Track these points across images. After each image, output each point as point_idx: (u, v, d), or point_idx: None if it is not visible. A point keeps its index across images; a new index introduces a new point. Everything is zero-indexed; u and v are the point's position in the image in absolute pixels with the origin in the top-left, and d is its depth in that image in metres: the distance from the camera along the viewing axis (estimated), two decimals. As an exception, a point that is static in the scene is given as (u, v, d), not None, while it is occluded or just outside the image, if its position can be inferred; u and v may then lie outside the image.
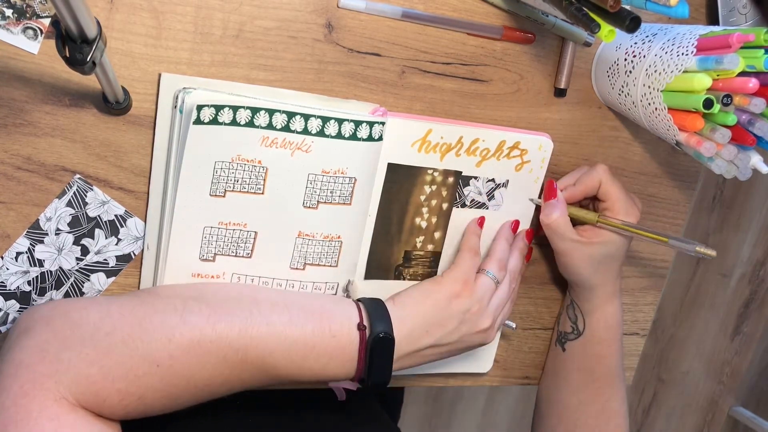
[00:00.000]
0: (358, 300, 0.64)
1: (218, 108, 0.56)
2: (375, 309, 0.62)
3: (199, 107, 0.56)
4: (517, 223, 0.72)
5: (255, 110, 0.57)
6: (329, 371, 0.59)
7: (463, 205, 0.70)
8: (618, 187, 0.70)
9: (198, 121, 0.56)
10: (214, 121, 0.56)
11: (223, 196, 0.60)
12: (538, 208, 0.73)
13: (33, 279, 0.60)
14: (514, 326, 0.75)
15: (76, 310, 0.54)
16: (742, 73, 0.59)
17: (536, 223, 0.72)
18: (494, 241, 0.71)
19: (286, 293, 0.63)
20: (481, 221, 0.70)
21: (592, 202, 0.73)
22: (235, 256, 0.62)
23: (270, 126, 0.58)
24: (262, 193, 0.61)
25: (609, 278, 0.72)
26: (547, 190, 0.71)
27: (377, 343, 0.60)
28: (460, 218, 0.70)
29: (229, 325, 0.56)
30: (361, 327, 0.60)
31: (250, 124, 0.58)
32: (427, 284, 0.65)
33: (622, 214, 0.69)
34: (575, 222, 0.71)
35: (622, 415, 0.74)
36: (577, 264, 0.71)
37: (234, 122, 0.57)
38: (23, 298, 0.60)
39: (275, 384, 0.60)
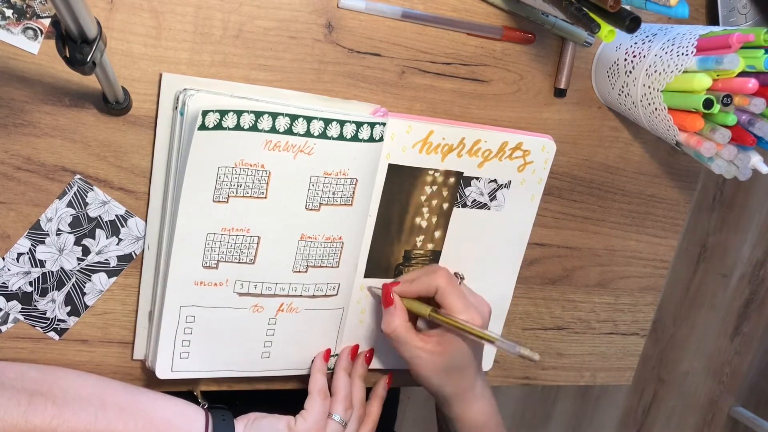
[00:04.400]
0: (209, 410, 0.64)
1: (222, 113, 0.56)
2: None
3: (204, 113, 0.55)
4: (355, 348, 0.71)
5: (258, 114, 0.57)
6: None
7: (464, 205, 0.70)
8: (456, 295, 0.65)
9: (203, 127, 0.56)
10: (218, 126, 0.56)
11: (226, 202, 0.60)
12: (538, 210, 0.73)
13: (34, 280, 0.60)
14: None
15: None
16: (742, 73, 0.59)
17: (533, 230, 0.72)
18: (334, 375, 0.69)
19: (137, 395, 0.61)
20: (326, 354, 0.69)
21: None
22: (238, 262, 0.62)
23: (273, 129, 0.58)
24: (265, 197, 0.61)
25: (463, 386, 0.68)
26: (385, 297, 0.67)
27: None
28: (461, 218, 0.70)
29: (70, 427, 0.55)
30: None
31: (253, 128, 0.57)
32: (282, 428, 0.63)
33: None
34: (411, 315, 0.68)
35: None
36: (425, 374, 0.66)
37: (238, 127, 0.57)
38: (25, 299, 0.60)
39: None
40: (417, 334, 0.66)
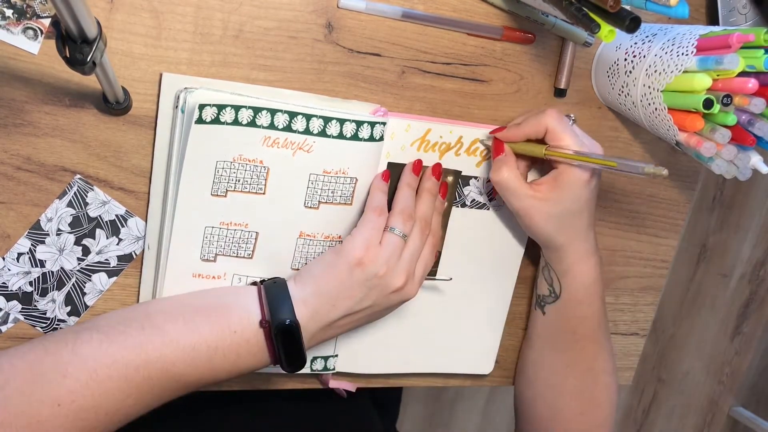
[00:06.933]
0: (261, 282, 0.62)
1: (220, 107, 0.56)
2: (275, 295, 0.59)
3: (201, 106, 0.56)
4: (419, 162, 0.65)
5: (257, 110, 0.57)
6: (242, 365, 0.58)
7: (464, 205, 0.70)
8: (569, 133, 0.63)
9: (200, 121, 0.56)
10: (215, 121, 0.56)
11: (225, 196, 0.60)
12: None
13: (35, 280, 0.60)
14: (449, 278, 0.72)
15: None
16: (742, 73, 0.59)
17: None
18: (397, 190, 0.64)
19: (182, 297, 0.61)
20: (385, 175, 0.64)
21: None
22: (236, 256, 0.62)
23: (272, 126, 0.58)
24: (264, 193, 0.61)
25: (576, 235, 0.67)
26: (495, 146, 0.66)
27: (282, 331, 0.57)
28: (461, 218, 0.70)
29: (122, 346, 0.54)
30: (263, 322, 0.58)
31: (251, 123, 0.58)
32: (329, 255, 0.61)
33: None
34: (523, 159, 0.67)
35: (609, 372, 0.72)
36: (537, 223, 0.65)
37: (236, 122, 0.57)
38: (25, 299, 0.60)
39: (199, 389, 0.59)
40: (527, 183, 0.65)
